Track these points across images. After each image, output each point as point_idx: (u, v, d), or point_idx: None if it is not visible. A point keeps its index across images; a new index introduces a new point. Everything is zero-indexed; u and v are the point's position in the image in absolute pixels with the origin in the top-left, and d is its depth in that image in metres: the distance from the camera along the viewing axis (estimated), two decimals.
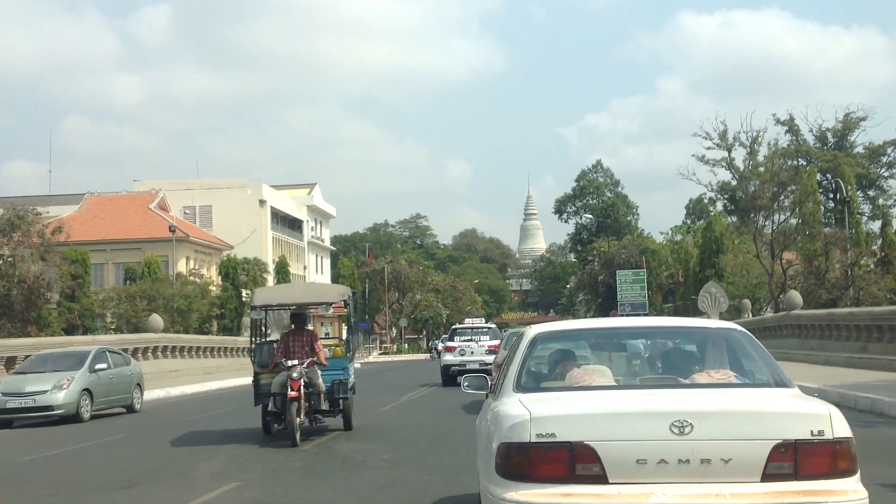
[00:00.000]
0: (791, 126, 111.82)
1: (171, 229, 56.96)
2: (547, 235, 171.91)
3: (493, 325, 32.69)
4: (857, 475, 4.84)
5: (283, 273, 71.33)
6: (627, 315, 71.42)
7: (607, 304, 74.73)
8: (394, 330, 78.90)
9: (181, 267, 70.34)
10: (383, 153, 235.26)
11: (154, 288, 55.08)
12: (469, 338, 27.54)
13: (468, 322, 42.81)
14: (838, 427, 4.77)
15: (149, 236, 71.98)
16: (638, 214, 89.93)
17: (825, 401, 5.15)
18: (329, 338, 68.80)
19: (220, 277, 69.19)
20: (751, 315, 49.31)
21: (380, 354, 75.38)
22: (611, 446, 4.72)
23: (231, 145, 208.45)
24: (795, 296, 34.62)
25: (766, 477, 4.71)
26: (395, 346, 77.78)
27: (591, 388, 5.40)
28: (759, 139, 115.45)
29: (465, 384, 6.90)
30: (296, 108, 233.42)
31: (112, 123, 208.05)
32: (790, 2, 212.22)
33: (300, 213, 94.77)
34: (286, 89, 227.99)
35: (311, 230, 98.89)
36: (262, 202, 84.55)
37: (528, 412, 4.88)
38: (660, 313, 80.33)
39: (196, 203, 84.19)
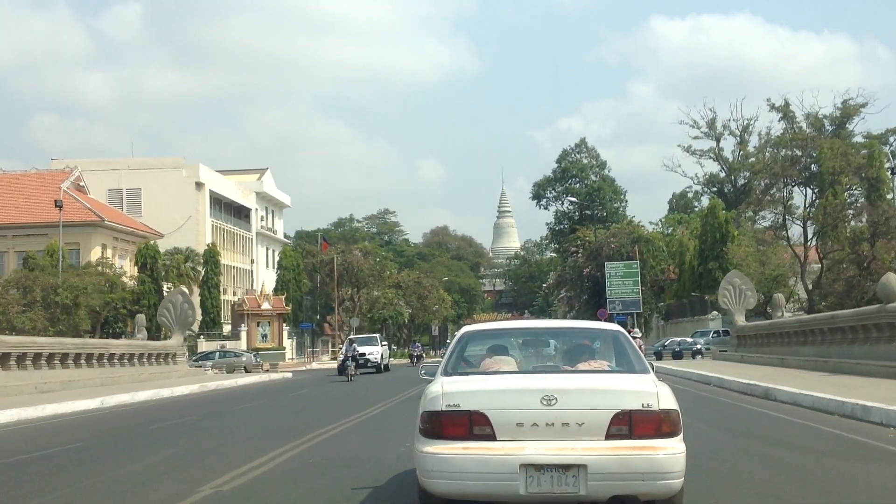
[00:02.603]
0: (786, 112, 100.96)
1: (57, 204, 44.48)
2: (521, 234, 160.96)
3: None
4: (680, 436, 6.18)
5: (213, 264, 58.74)
6: (617, 314, 59.47)
7: (594, 301, 62.69)
8: (347, 330, 66.30)
9: (95, 256, 58.07)
10: (355, 153, 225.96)
11: (31, 277, 42.60)
12: None
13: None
14: (664, 401, 6.14)
15: (57, 220, 59.54)
16: (626, 201, 78.02)
17: (659, 381, 6.48)
18: (265, 341, 56.55)
19: (136, 268, 56.66)
20: (784, 312, 37.50)
21: (331, 359, 62.95)
22: (498, 413, 6.12)
23: (200, 143, 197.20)
24: (894, 281, 22.71)
25: (609, 436, 6.04)
26: None
27: (494, 373, 6.85)
28: (750, 128, 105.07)
29: (422, 371, 8.02)
30: (267, 106, 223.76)
31: (82, 121, 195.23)
32: (762, 7, 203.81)
33: (247, 201, 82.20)
34: (257, 88, 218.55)
35: (261, 220, 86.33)
36: (198, 185, 71.99)
37: (442, 389, 6.34)
38: (650, 315, 68.47)
39: (123, 185, 71.66)
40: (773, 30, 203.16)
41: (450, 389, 6.29)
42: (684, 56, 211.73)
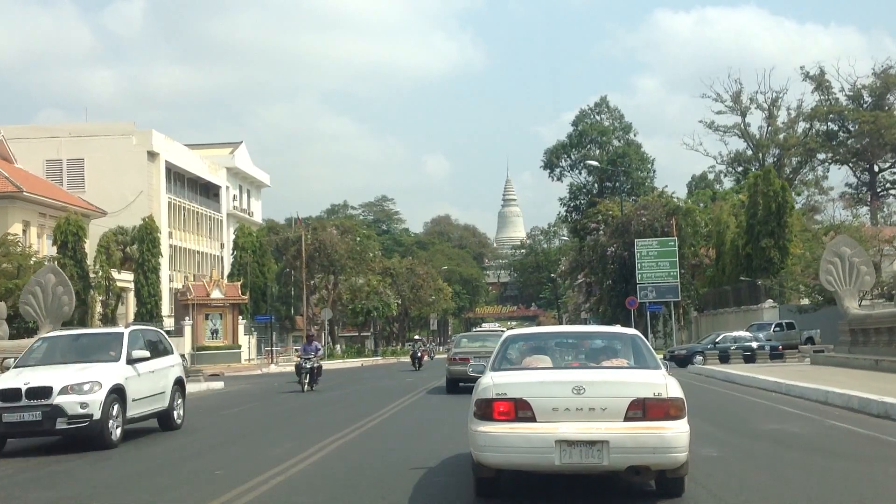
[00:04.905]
0: (821, 82, 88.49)
1: None
2: (528, 224, 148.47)
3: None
4: (685, 419, 7.35)
5: (150, 242, 46.42)
6: (650, 303, 47.26)
7: (619, 287, 50.13)
8: (325, 325, 53.80)
9: (14, 233, 46.01)
10: (361, 149, 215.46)
11: None
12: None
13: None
14: (671, 390, 7.33)
15: None
16: (654, 170, 65.10)
17: (668, 374, 7.72)
18: (216, 336, 44.35)
19: (55, 247, 44.57)
20: None
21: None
22: (538, 400, 7.32)
23: (206, 140, 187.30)
24: None
25: (627, 418, 7.22)
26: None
27: (534, 369, 8.03)
28: (779, 101, 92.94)
29: (470, 370, 9.69)
30: (272, 102, 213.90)
31: (88, 118, 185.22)
32: None
33: (216, 177, 70.02)
34: (263, 84, 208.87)
35: (234, 199, 74.16)
36: (151, 155, 59.87)
37: (492, 382, 7.59)
38: (689, 304, 55.86)
39: (63, 156, 59.52)
40: (780, 22, 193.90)
41: (498, 381, 7.57)
42: (690, 49, 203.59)
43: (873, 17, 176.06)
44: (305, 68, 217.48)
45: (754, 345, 36.06)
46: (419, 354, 37.92)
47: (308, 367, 24.60)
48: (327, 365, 47.79)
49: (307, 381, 24.48)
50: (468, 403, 7.96)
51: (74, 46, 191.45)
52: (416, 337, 41.70)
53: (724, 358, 31.81)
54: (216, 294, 44.66)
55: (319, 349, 25.29)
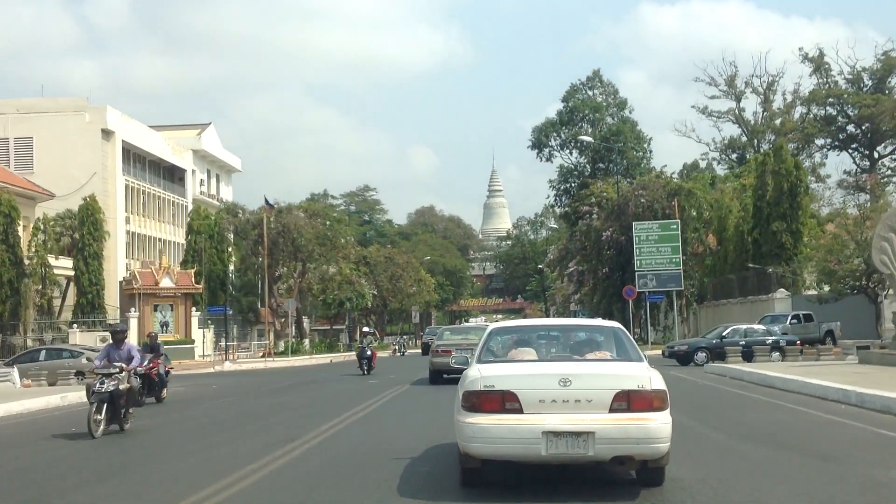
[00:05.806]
0: (819, 64, 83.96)
1: None
2: (514, 215, 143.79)
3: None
4: (667, 410, 7.29)
5: (91, 224, 41.21)
6: (650, 293, 42.55)
7: (616, 275, 45.22)
8: (290, 316, 48.58)
9: None
10: (345, 141, 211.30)
11: None
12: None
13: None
14: (654, 383, 7.28)
15: None
16: (651, 150, 59.99)
17: (651, 367, 7.61)
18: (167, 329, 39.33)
19: None
20: None
21: (260, 356, 45.60)
22: (525, 392, 7.26)
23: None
24: None
25: (612, 410, 7.17)
26: (284, 343, 47.10)
27: (520, 361, 8.04)
28: (775, 86, 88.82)
29: (453, 361, 10.04)
30: (256, 94, 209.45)
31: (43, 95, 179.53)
32: None
33: (181, 160, 64.75)
34: (246, 76, 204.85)
35: (201, 184, 68.95)
36: (106, 133, 54.59)
37: (479, 374, 7.54)
38: (691, 293, 51.06)
39: (10, 134, 54.26)
40: (765, 15, 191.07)
41: (486, 374, 7.49)
42: (675, 43, 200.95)
43: (857, 10, 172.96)
44: (289, 60, 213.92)
45: (769, 339, 31.31)
46: (369, 353, 28.30)
47: (106, 390, 12.98)
48: (291, 362, 42.21)
49: (102, 416, 12.95)
50: None
51: (56, 38, 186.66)
52: (366, 329, 34.82)
53: (748, 355, 27.02)
54: (166, 283, 39.63)
55: (136, 357, 14.02)
